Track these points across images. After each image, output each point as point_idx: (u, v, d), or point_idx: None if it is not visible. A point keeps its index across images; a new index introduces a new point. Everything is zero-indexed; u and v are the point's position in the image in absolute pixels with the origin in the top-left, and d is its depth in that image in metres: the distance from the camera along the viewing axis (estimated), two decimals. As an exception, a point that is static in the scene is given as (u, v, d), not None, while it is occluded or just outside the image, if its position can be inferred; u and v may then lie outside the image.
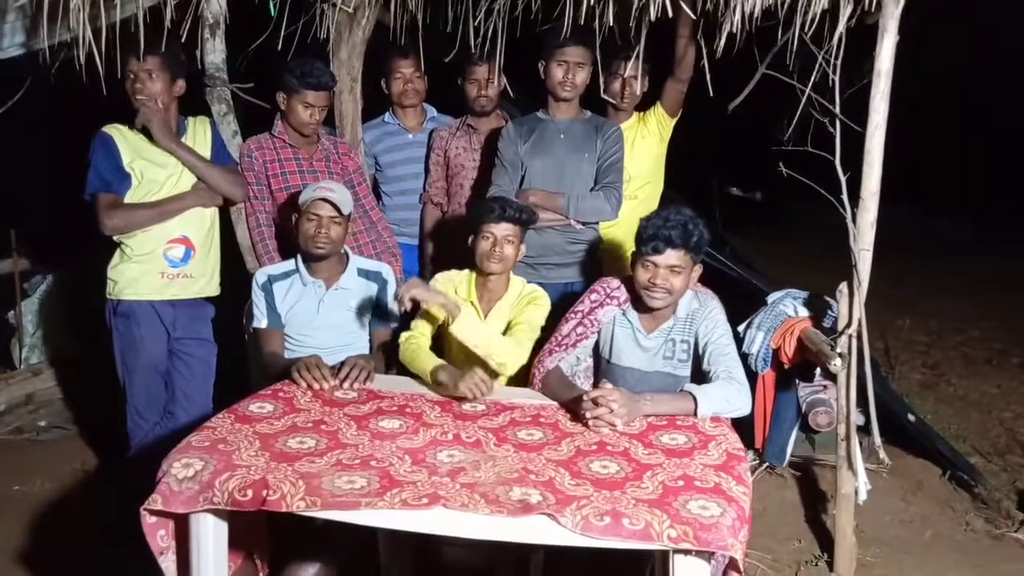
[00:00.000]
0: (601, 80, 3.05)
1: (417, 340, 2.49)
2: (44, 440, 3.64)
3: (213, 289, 2.97)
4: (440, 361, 2.36)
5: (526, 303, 2.54)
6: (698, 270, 2.35)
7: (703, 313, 2.36)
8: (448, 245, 2.60)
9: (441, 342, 2.60)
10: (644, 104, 3.20)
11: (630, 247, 2.97)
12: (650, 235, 2.26)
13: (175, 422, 2.86)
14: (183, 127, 2.89)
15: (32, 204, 4.18)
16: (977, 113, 8.65)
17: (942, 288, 6.73)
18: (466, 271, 2.63)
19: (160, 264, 2.81)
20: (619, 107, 3.15)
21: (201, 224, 2.88)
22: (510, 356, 2.40)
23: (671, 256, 2.25)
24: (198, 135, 2.92)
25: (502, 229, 2.50)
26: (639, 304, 2.39)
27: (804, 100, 2.48)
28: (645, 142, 3.16)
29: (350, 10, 3.01)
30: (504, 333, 2.51)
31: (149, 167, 2.78)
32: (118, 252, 2.83)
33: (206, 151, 2.90)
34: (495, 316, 2.56)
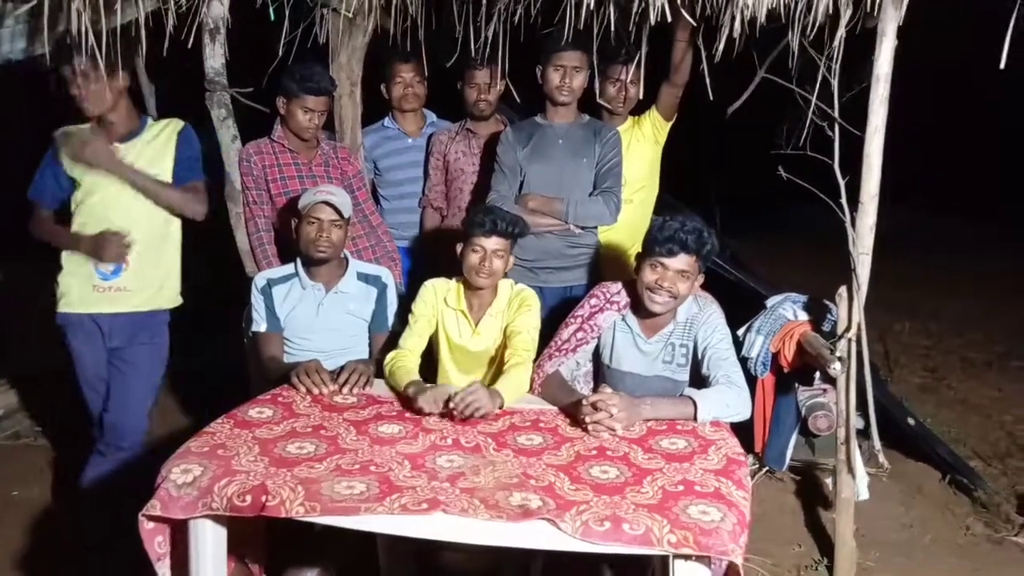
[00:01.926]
0: (596, 85, 3.05)
1: (405, 358, 2.41)
2: (41, 445, 3.64)
3: (164, 302, 2.79)
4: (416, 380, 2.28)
5: (518, 306, 2.50)
6: (700, 278, 2.36)
7: (702, 318, 2.37)
8: (448, 249, 2.59)
9: (433, 357, 2.59)
10: (638, 108, 3.20)
11: (628, 250, 2.98)
12: (666, 237, 2.26)
13: (107, 433, 2.77)
14: (142, 126, 2.72)
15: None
16: (980, 112, 8.60)
17: (942, 290, 6.71)
18: (454, 280, 2.57)
19: (91, 276, 2.67)
20: (614, 111, 3.15)
21: (138, 237, 2.68)
22: (522, 386, 2.33)
23: (682, 260, 2.26)
24: (160, 138, 2.72)
25: (492, 243, 2.43)
26: (639, 309, 2.39)
27: (805, 104, 2.49)
28: (640, 146, 3.16)
29: (350, 15, 3.01)
30: (502, 340, 2.50)
31: (92, 169, 2.64)
32: (58, 264, 2.72)
33: (167, 157, 2.71)
34: (487, 324, 2.52)
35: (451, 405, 2.09)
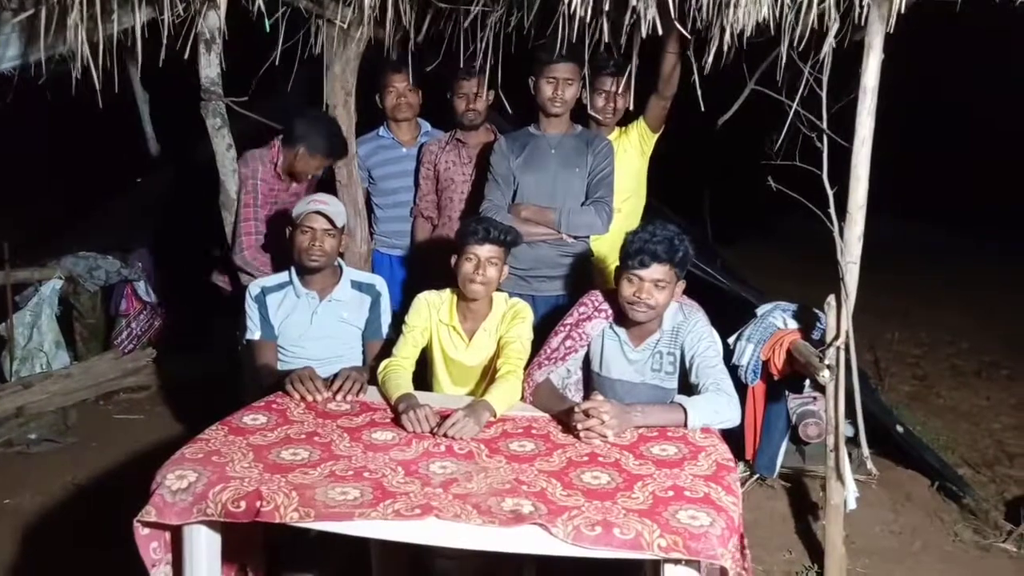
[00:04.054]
0: (587, 95, 3.08)
1: (399, 367, 2.42)
2: (34, 453, 3.63)
3: None
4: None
5: (511, 318, 2.51)
6: (681, 285, 2.38)
7: (688, 326, 2.38)
8: (439, 259, 2.61)
9: (425, 365, 2.60)
10: (624, 118, 3.23)
11: (614, 260, 3.01)
12: (636, 249, 2.28)
13: None
14: None
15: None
16: (974, 120, 8.62)
17: (933, 298, 6.75)
18: (447, 292, 2.57)
19: None
20: (602, 122, 3.17)
21: None
22: (515, 394, 2.34)
23: (656, 271, 2.27)
24: None
25: (486, 251, 2.45)
26: (624, 317, 2.41)
27: (793, 116, 2.52)
28: (626, 156, 3.18)
29: (344, 25, 3.04)
30: (495, 352, 2.51)
31: None
32: None
33: None
34: (481, 338, 2.53)
35: (437, 432, 2.07)
